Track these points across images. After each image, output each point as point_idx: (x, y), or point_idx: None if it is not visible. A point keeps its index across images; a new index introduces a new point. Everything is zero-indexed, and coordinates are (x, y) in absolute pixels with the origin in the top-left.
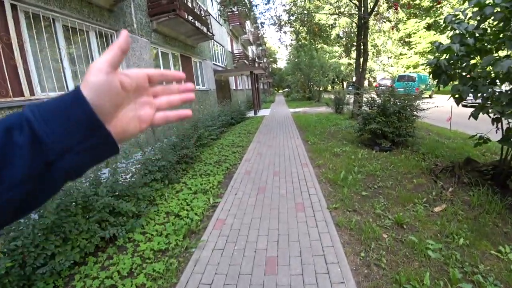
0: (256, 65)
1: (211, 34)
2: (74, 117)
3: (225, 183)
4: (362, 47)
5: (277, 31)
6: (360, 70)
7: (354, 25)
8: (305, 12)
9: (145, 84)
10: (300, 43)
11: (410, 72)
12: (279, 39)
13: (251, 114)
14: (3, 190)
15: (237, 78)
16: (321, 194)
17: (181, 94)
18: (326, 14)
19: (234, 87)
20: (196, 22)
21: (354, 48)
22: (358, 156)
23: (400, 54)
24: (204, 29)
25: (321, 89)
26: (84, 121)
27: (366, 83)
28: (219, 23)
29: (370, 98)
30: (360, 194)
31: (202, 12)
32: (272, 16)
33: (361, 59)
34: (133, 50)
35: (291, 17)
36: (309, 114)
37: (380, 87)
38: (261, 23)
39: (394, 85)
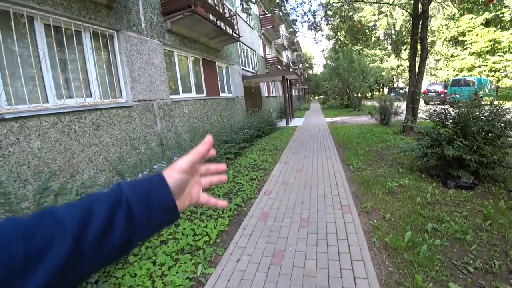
0: (291, 70)
1: (237, 36)
2: (158, 200)
3: (228, 235)
4: (419, 43)
5: (311, 29)
6: (416, 72)
7: (400, 23)
8: (346, 3)
9: (197, 169)
10: (338, 43)
11: (466, 76)
12: (314, 38)
13: (282, 123)
14: (105, 252)
15: (270, 84)
16: (373, 278)
17: (218, 176)
18: (373, 2)
19: (266, 94)
20: (219, 22)
21: (405, 47)
22: (426, 197)
23: (452, 55)
24: (229, 30)
25: (360, 95)
26: (165, 204)
27: (403, 89)
28: (250, 26)
29: (440, 110)
30: (445, 286)
31: (226, 11)
32: (305, 12)
33: (417, 59)
34: (139, 53)
35: (328, 12)
36: (348, 125)
37: (429, 93)
38: (293, 20)
39: (446, 90)
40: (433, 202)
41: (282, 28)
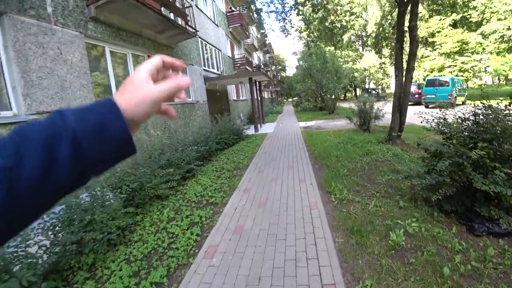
0: (261, 71)
1: (193, 30)
2: (111, 133)
3: None
4: (409, 34)
5: (279, 21)
6: (404, 70)
7: (374, 21)
8: None
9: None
10: (311, 37)
11: (438, 76)
12: (284, 30)
13: (251, 130)
14: (51, 190)
15: (239, 87)
16: None
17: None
18: None
19: (234, 97)
20: (169, 12)
21: (385, 43)
22: (456, 261)
23: (422, 56)
24: (182, 22)
25: (334, 97)
26: (120, 137)
27: (375, 90)
28: (215, 23)
29: (456, 118)
30: None
31: (178, 0)
32: (272, 1)
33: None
34: (41, 48)
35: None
36: (324, 132)
37: None
38: (258, 9)
39: (421, 91)
40: (469, 274)
41: (253, 29)
